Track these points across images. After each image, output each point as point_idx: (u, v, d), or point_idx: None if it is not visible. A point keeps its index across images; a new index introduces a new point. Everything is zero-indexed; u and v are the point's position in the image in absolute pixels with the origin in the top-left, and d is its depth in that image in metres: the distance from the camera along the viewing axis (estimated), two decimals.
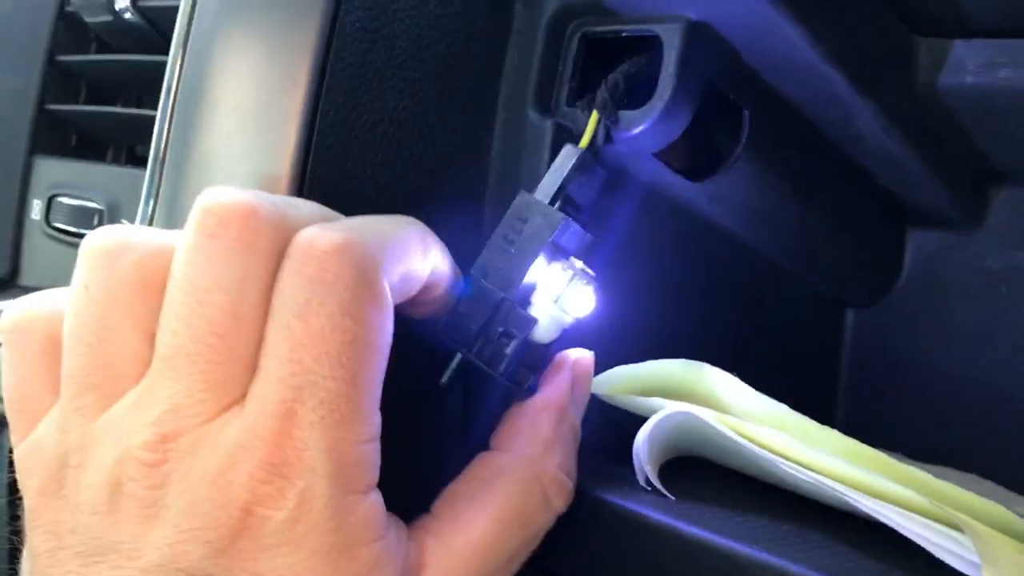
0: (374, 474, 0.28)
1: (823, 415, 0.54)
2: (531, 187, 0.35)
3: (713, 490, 0.36)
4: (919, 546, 0.28)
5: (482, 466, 0.33)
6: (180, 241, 0.28)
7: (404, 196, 0.37)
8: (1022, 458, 0.46)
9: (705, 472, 0.39)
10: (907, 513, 0.29)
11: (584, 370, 0.35)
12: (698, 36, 0.35)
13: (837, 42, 0.35)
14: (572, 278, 0.34)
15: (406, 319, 0.33)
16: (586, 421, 0.38)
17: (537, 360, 0.35)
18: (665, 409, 0.34)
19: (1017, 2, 0.35)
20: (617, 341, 0.39)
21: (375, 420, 0.28)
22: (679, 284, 0.44)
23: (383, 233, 0.29)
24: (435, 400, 0.38)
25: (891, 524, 0.29)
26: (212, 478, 0.26)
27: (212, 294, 0.27)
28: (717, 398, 0.35)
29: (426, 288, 0.31)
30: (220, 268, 0.27)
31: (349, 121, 0.36)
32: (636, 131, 0.36)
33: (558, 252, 0.34)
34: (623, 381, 0.38)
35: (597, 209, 0.38)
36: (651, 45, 0.36)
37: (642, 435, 0.34)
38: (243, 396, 0.27)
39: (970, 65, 0.38)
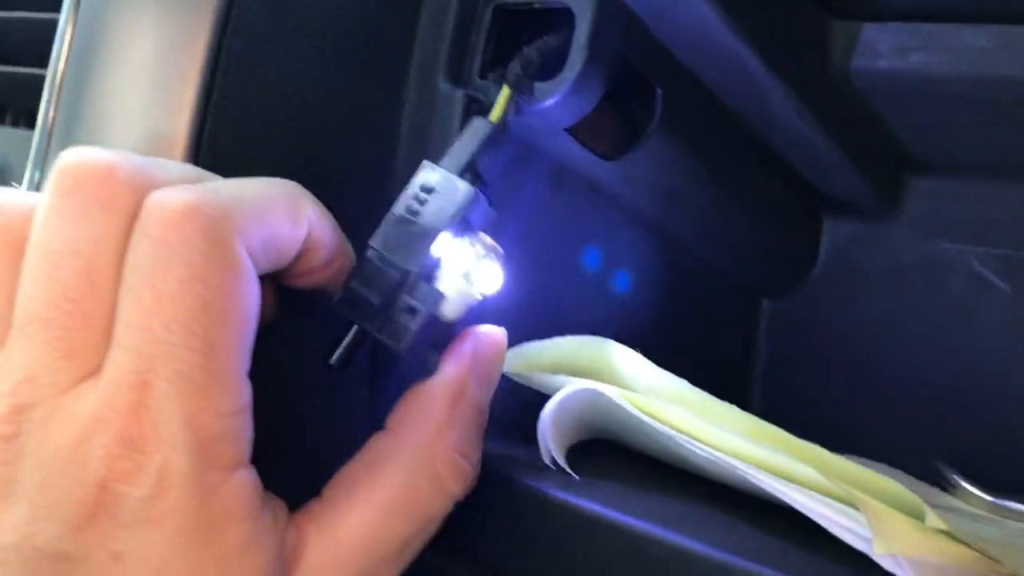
0: (242, 449, 0.27)
1: (740, 405, 0.54)
2: (439, 159, 0.34)
3: (620, 471, 0.36)
4: (819, 525, 0.28)
5: (371, 448, 0.31)
6: (39, 202, 0.27)
7: (307, 163, 0.35)
8: (934, 447, 0.47)
9: (615, 455, 0.38)
10: (803, 490, 0.28)
11: (492, 347, 0.33)
12: (610, 9, 0.35)
13: (749, 20, 0.35)
14: (482, 254, 0.33)
15: (303, 295, 0.32)
16: (497, 399, 0.37)
17: (442, 339, 0.34)
18: (569, 386, 0.34)
19: None
20: (523, 324, 0.38)
21: (241, 391, 0.27)
22: (591, 267, 0.43)
23: (243, 194, 0.27)
24: (339, 381, 0.37)
25: (787, 500, 0.28)
26: (67, 452, 0.25)
27: (65, 256, 0.26)
28: (621, 374, 0.35)
29: (304, 256, 0.30)
30: (75, 230, 0.26)
31: (250, 82, 0.34)
32: (548, 103, 0.35)
33: (466, 227, 0.33)
34: (528, 358, 0.37)
35: (507, 185, 0.37)
36: (563, 17, 0.35)
37: (546, 413, 0.34)
38: (101, 366, 0.26)
39: (883, 49, 0.37)
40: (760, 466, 0.29)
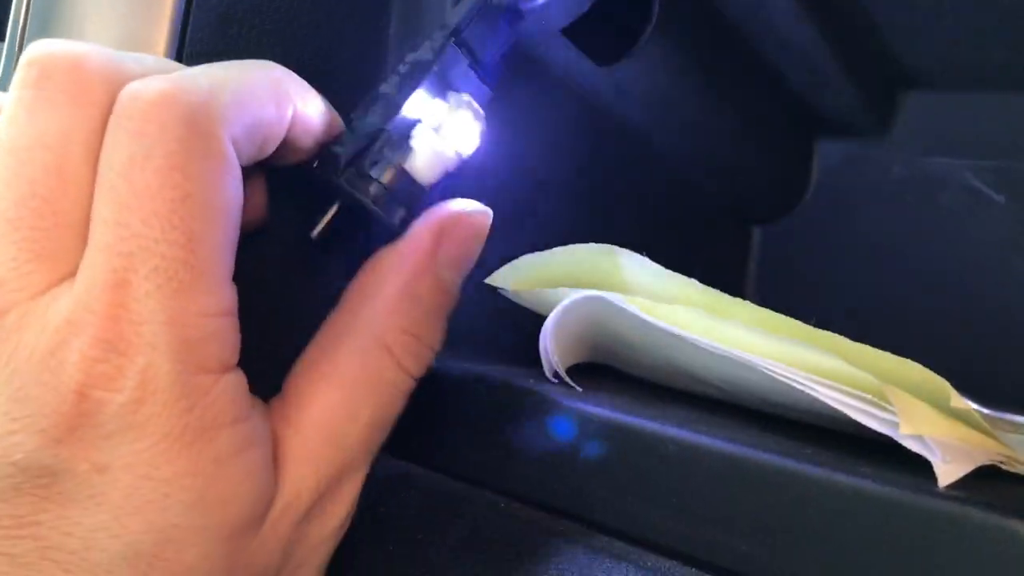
0: (229, 351, 0.26)
1: None
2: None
3: (623, 390, 0.35)
4: (831, 430, 0.27)
5: (326, 330, 0.30)
6: (5, 98, 0.25)
7: (298, 64, 0.34)
8: (931, 364, 0.46)
9: (617, 377, 0.37)
10: (823, 380, 0.27)
11: (468, 226, 0.30)
12: None
13: None
14: (457, 107, 0.31)
15: (283, 177, 0.31)
16: (483, 317, 0.36)
17: (418, 207, 0.31)
18: (573, 294, 0.33)
19: None
20: (515, 236, 0.37)
21: (225, 290, 0.25)
22: (585, 182, 0.42)
23: (223, 80, 0.26)
24: (326, 277, 0.36)
25: (806, 389, 0.28)
26: (41, 358, 0.23)
27: (33, 151, 0.24)
28: (627, 282, 0.34)
29: (291, 140, 0.28)
30: (43, 123, 0.24)
31: None
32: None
33: (447, 87, 0.31)
34: (529, 272, 0.36)
35: (502, 83, 0.36)
36: None
37: (549, 323, 0.33)
38: (77, 268, 0.24)
39: None
40: (781, 360, 0.29)
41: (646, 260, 0.33)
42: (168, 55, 0.32)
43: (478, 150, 0.31)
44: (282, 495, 0.27)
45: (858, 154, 0.49)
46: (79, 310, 0.24)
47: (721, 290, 0.50)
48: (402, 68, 0.30)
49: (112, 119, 0.25)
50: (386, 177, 0.29)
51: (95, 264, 0.24)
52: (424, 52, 0.30)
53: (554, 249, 0.35)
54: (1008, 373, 0.45)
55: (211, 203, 0.24)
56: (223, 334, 0.25)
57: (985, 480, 0.26)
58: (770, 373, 0.28)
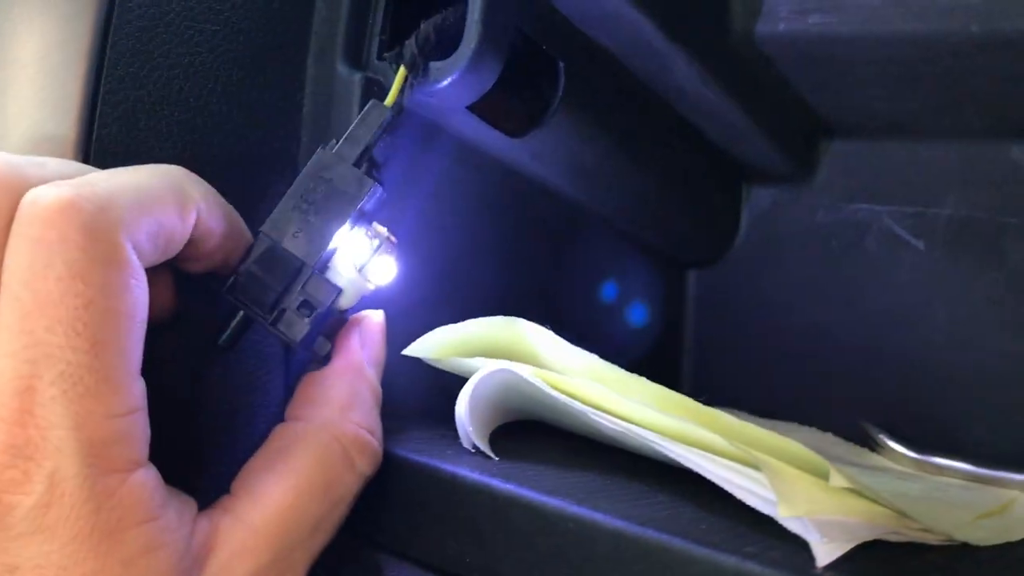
0: (138, 450, 0.26)
1: (670, 377, 0.54)
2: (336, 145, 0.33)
3: (542, 450, 0.36)
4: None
5: (277, 438, 0.31)
6: None
7: (207, 157, 0.35)
8: (862, 408, 0.47)
9: (538, 435, 0.38)
10: (708, 455, 0.28)
11: (376, 332, 0.34)
12: None
13: None
14: (377, 247, 0.32)
15: (205, 284, 0.32)
16: (414, 386, 0.37)
17: (334, 327, 0.34)
18: (483, 369, 0.33)
19: None
20: (438, 306, 0.38)
21: (133, 390, 0.26)
22: (508, 245, 0.43)
23: (123, 185, 0.27)
24: (253, 377, 0.36)
25: (693, 467, 0.28)
26: None
27: None
28: (534, 353, 0.35)
29: (195, 242, 0.29)
30: None
31: (140, 77, 0.33)
32: (445, 83, 0.34)
33: (360, 216, 0.32)
34: (445, 343, 0.36)
35: (410, 164, 0.37)
36: None
37: (463, 397, 0.33)
38: None
39: (782, 11, 0.37)
40: (667, 435, 0.29)
41: (550, 333, 0.34)
42: (76, 152, 0.33)
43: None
44: None
45: (785, 199, 0.50)
46: None
47: (659, 333, 0.51)
48: (319, 191, 0.31)
49: (14, 227, 0.25)
50: (311, 319, 0.31)
51: (2, 372, 0.24)
52: (343, 180, 0.31)
53: (466, 322, 0.36)
54: (935, 415, 0.45)
55: (113, 308, 0.25)
56: (131, 433, 0.26)
57: (878, 552, 0.27)
58: (658, 448, 0.29)
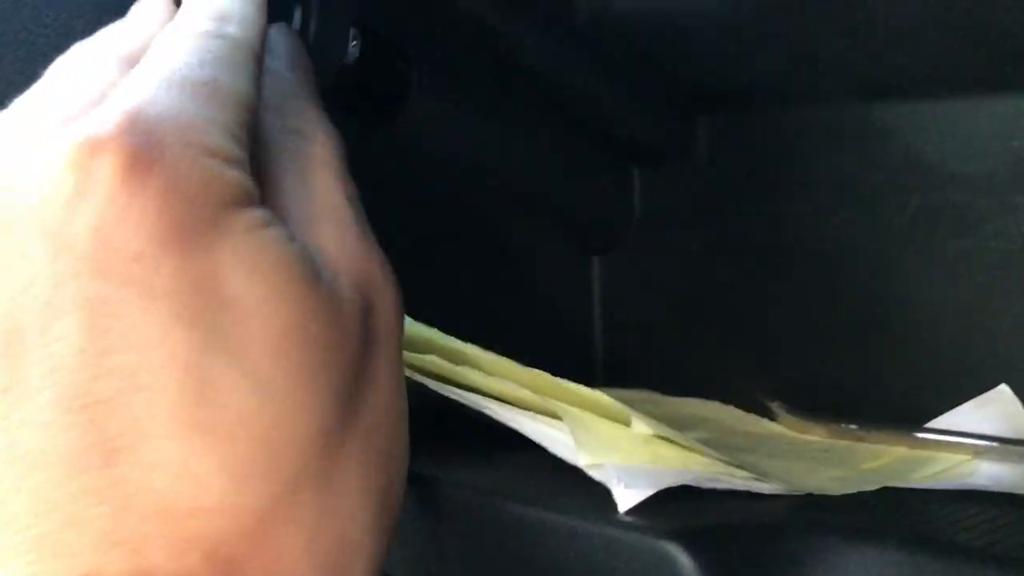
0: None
1: (583, 363, 0.54)
2: None
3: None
4: None
5: None
6: None
7: None
8: (762, 380, 0.47)
9: None
10: (520, 411, 0.29)
11: None
12: None
13: None
14: None
15: None
16: None
17: None
18: None
19: None
20: None
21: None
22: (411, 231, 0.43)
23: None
24: None
25: (510, 423, 0.29)
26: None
27: None
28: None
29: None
30: None
31: None
32: None
33: None
34: None
35: None
36: None
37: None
38: None
39: None
40: (489, 395, 0.30)
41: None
42: None
43: None
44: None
45: (673, 178, 0.50)
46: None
47: (568, 320, 0.52)
48: None
49: None
50: None
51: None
52: None
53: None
54: (831, 382, 0.46)
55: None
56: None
57: (685, 501, 0.27)
58: (486, 412, 0.30)
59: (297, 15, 0.33)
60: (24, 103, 0.26)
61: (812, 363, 0.46)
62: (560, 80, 0.42)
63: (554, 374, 0.31)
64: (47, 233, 0.21)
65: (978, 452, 0.37)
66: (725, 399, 0.47)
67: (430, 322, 0.33)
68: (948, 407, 0.40)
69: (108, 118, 0.21)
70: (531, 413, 0.29)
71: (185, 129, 0.22)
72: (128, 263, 0.20)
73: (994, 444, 0.36)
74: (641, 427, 0.28)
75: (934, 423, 0.40)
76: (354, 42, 0.36)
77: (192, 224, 0.21)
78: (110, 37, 0.28)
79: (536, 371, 0.30)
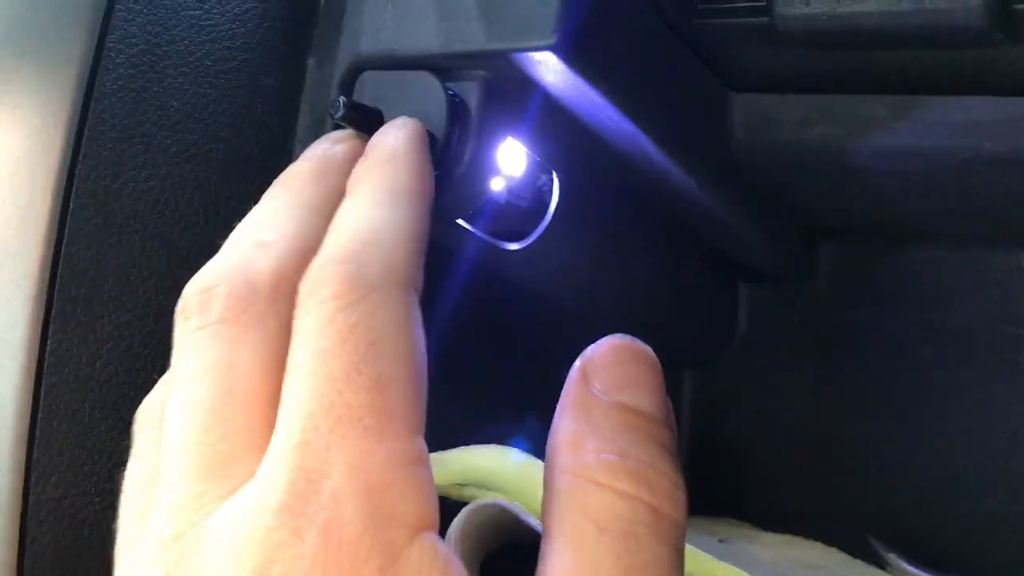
0: (429, 506, 0.23)
1: None
2: None
3: None
4: None
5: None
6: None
7: (186, 279, 0.33)
8: (871, 522, 0.45)
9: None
10: None
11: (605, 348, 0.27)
12: (498, 94, 0.33)
13: (642, 102, 0.33)
14: None
15: None
16: None
17: None
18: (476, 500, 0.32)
19: (825, 58, 0.34)
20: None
21: (418, 437, 0.23)
22: (497, 352, 0.41)
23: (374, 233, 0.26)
24: None
25: None
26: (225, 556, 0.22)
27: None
28: (528, 484, 0.33)
29: None
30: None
31: (112, 191, 0.32)
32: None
33: None
34: (434, 470, 0.35)
35: None
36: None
37: (452, 529, 0.31)
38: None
39: (786, 121, 0.36)
40: None
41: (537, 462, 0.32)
42: (42, 268, 0.31)
43: None
44: None
45: (784, 302, 0.48)
46: (261, 493, 0.22)
47: None
48: None
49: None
50: None
51: (278, 452, 0.22)
52: None
53: (454, 450, 0.34)
54: (949, 531, 0.43)
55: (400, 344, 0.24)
56: (419, 485, 0.22)
57: None
58: None
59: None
60: None
61: (935, 514, 0.44)
62: (694, 204, 0.40)
63: None
64: None
65: None
66: (826, 540, 0.45)
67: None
68: None
69: None
70: None
71: None
72: None
73: None
74: None
75: None
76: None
77: None
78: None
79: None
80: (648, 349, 0.27)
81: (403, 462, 0.22)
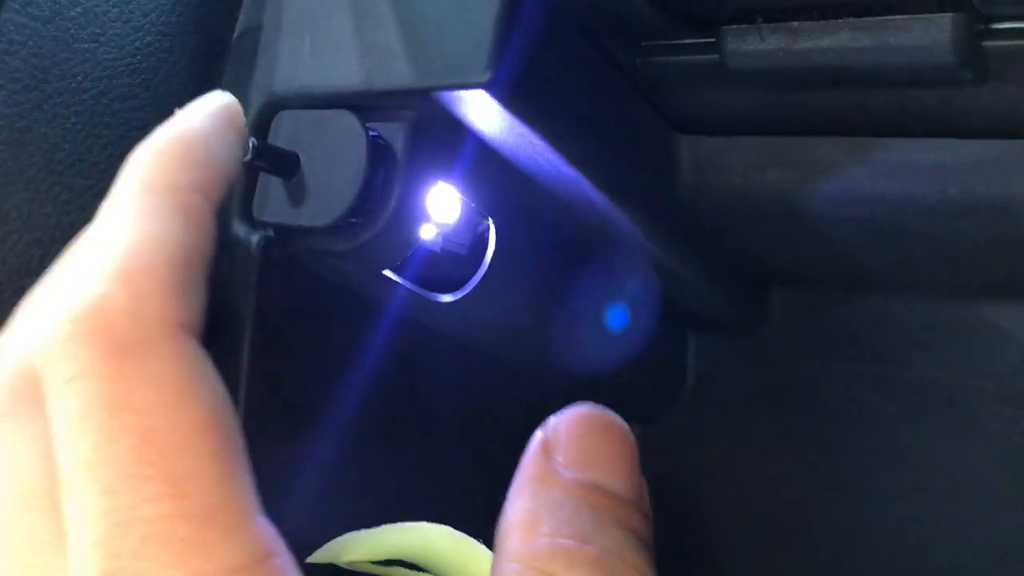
0: None
1: None
2: None
3: None
4: None
5: None
6: None
7: None
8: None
9: None
10: None
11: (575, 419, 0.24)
12: (426, 136, 0.30)
13: (584, 145, 0.31)
14: None
15: None
16: None
17: None
18: None
19: (780, 98, 0.31)
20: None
21: (254, 529, 0.19)
22: (432, 411, 0.38)
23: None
24: None
25: None
26: None
27: None
28: (465, 566, 0.30)
29: None
30: None
31: None
32: (357, 243, 0.30)
33: None
34: (361, 547, 0.31)
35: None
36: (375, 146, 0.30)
37: None
38: None
39: (736, 165, 0.34)
40: None
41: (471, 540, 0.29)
42: None
43: None
44: None
45: (734, 352, 0.46)
46: None
47: None
48: None
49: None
50: None
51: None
52: None
53: (383, 527, 0.31)
54: None
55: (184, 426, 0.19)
56: None
57: None
58: None
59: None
60: None
61: (892, 574, 0.41)
62: (638, 251, 0.37)
63: None
64: None
65: None
66: None
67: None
68: None
69: None
70: None
71: None
72: None
73: None
74: None
75: None
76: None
77: None
78: None
79: None
80: (621, 421, 0.24)
81: (247, 564, 0.18)
